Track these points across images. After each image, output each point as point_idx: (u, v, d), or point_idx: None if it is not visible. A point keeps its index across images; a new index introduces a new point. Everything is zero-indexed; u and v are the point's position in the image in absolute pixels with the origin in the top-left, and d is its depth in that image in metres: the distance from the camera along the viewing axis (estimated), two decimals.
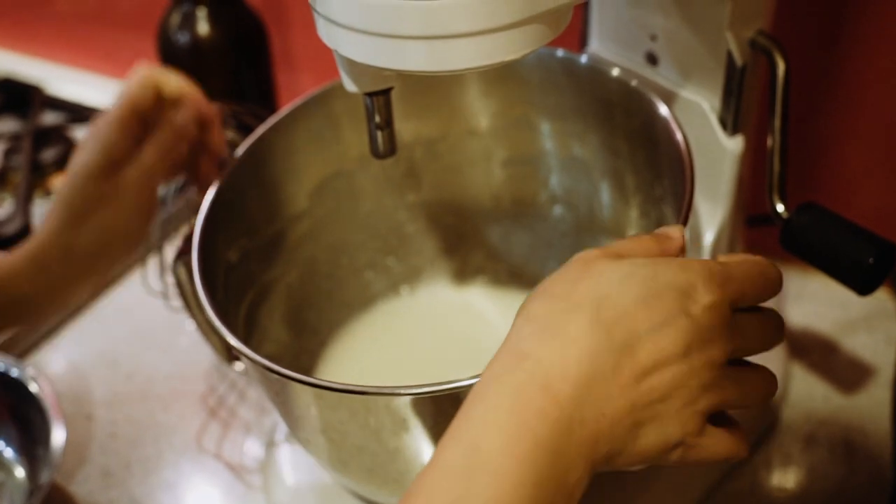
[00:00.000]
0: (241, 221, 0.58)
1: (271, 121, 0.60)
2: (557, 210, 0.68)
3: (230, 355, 0.62)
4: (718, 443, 0.38)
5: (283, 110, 0.60)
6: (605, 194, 0.64)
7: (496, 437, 0.34)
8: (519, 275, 0.70)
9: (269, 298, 0.61)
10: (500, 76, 0.63)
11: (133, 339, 0.76)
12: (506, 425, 0.34)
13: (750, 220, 0.63)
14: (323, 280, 0.66)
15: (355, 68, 0.46)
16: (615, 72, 0.57)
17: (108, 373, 0.73)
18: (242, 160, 0.58)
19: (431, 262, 0.71)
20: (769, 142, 0.52)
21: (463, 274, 0.71)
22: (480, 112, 0.66)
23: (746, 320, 0.38)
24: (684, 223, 0.46)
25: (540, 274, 0.68)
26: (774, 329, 0.40)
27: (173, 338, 0.75)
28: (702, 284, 0.37)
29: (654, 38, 0.57)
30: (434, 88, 0.64)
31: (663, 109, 0.53)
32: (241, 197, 0.58)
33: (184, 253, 0.57)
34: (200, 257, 0.52)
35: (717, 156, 0.55)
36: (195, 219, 0.54)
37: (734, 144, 0.55)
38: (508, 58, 0.42)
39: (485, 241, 0.71)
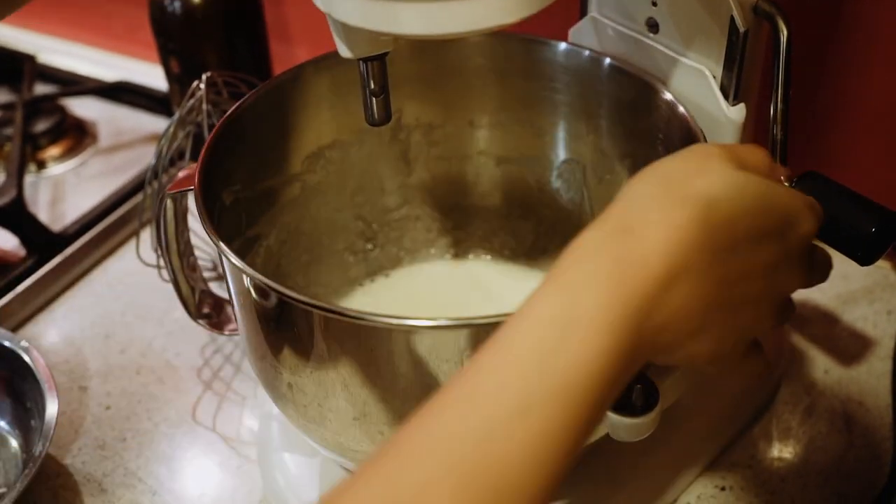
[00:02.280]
0: (240, 165, 0.57)
1: (286, 73, 0.59)
2: (547, 213, 0.67)
3: (198, 310, 0.62)
4: (756, 363, 0.42)
5: (295, 67, 0.59)
6: (600, 199, 0.64)
7: (593, 298, 0.34)
8: (502, 273, 0.69)
9: (248, 254, 0.60)
10: (511, 68, 0.62)
11: (127, 311, 0.75)
12: (604, 289, 0.35)
13: None
14: (302, 252, 0.65)
15: (349, 33, 0.45)
16: (634, 73, 0.57)
17: (102, 345, 0.72)
18: (252, 104, 0.57)
19: (412, 253, 0.70)
20: (771, 110, 0.51)
21: (442, 267, 0.70)
22: (485, 104, 0.65)
23: (819, 255, 0.42)
24: None
25: (521, 277, 0.68)
26: (829, 266, 0.44)
27: (167, 310, 0.74)
28: (804, 214, 0.40)
29: (654, 3, 0.56)
30: (442, 73, 0.63)
31: (681, 109, 0.53)
32: (243, 140, 0.57)
33: (176, 187, 0.57)
34: (203, 176, 0.51)
35: (719, 125, 0.55)
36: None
37: (736, 113, 0.54)
38: (507, 21, 0.41)
39: (467, 237, 0.70)
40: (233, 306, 0.54)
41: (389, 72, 0.48)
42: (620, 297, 0.35)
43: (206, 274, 0.71)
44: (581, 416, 0.33)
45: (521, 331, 0.34)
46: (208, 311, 0.64)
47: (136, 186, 0.84)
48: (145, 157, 0.88)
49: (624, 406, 0.47)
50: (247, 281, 0.48)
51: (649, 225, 0.36)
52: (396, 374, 0.46)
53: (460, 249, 0.70)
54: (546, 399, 0.33)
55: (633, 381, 0.47)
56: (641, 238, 0.36)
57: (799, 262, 0.40)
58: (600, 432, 0.52)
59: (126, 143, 0.92)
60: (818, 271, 0.43)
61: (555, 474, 0.33)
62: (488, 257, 0.70)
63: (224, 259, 0.49)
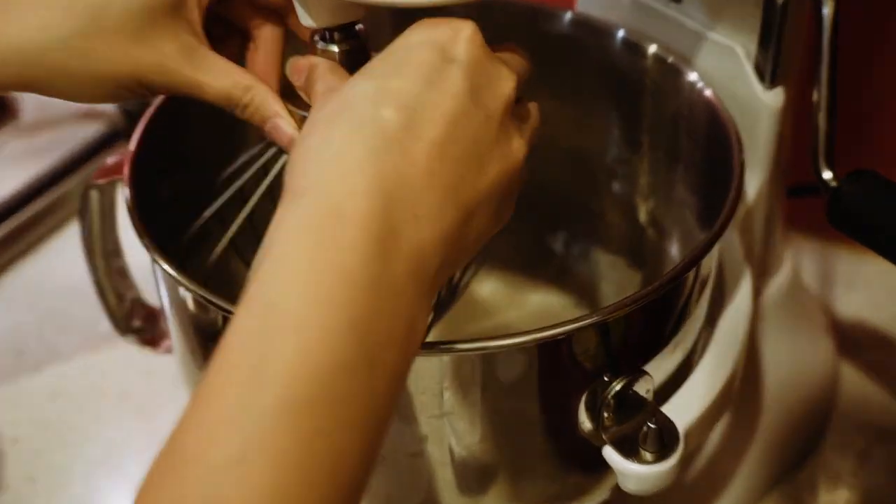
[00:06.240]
0: (185, 149, 0.58)
1: None
2: (549, 211, 0.68)
3: (127, 324, 0.62)
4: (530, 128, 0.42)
5: None
6: (612, 196, 0.64)
7: (292, 286, 0.33)
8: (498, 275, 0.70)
9: (193, 257, 0.60)
10: (511, 41, 0.62)
11: (44, 323, 0.75)
12: (302, 269, 0.34)
13: (791, 191, 0.63)
14: None
15: None
16: (652, 48, 0.57)
17: (12, 364, 0.72)
18: None
19: None
20: (814, 96, 0.51)
21: None
22: None
23: (503, 54, 0.43)
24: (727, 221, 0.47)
25: (522, 282, 0.69)
26: (522, 57, 0.45)
27: (93, 323, 0.74)
28: (448, 27, 0.39)
29: None
30: None
31: (708, 93, 0.54)
32: (188, 119, 0.57)
33: (104, 176, 0.57)
34: (136, 163, 0.52)
35: (754, 111, 0.55)
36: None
37: (774, 97, 0.54)
38: None
39: None
40: (167, 320, 0.54)
41: (372, 46, 0.49)
42: (326, 263, 0.34)
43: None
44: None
45: (220, 360, 0.33)
46: (140, 324, 0.64)
47: (61, 172, 0.84)
48: (74, 137, 0.88)
49: (634, 450, 0.46)
50: (182, 292, 0.48)
51: (316, 171, 0.36)
52: None
53: None
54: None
55: (645, 420, 0.47)
56: (317, 190, 0.35)
57: (493, 65, 0.40)
58: (609, 483, 0.51)
59: (52, 119, 0.92)
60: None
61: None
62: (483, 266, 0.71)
63: (155, 265, 0.49)
